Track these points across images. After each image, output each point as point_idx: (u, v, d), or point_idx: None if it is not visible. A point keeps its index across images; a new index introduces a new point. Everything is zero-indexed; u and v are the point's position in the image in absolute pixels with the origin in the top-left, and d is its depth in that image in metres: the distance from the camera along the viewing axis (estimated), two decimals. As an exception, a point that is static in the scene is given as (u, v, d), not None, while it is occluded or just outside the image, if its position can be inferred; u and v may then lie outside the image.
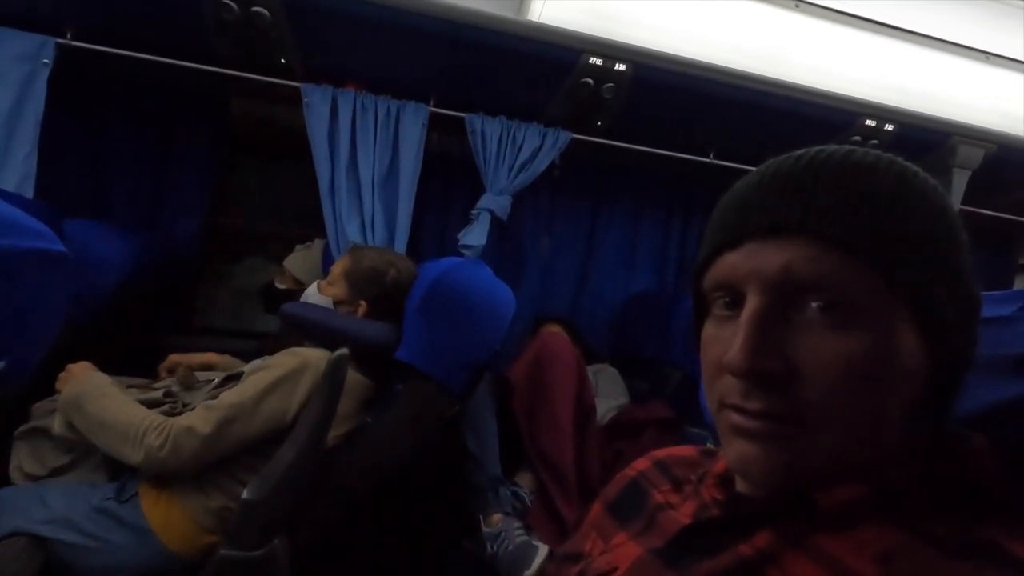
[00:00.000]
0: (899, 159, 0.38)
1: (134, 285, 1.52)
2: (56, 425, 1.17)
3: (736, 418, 0.37)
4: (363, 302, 1.30)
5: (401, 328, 1.30)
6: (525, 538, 1.26)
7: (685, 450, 0.58)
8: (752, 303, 0.36)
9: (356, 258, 1.34)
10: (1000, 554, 0.31)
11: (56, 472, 1.13)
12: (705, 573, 0.37)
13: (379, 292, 1.30)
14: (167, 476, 1.05)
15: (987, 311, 0.47)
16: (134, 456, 1.00)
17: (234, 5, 1.38)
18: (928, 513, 0.35)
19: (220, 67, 1.53)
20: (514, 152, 1.69)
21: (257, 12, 1.39)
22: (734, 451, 0.37)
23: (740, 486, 0.43)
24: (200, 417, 1.02)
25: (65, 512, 1.00)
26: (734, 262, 0.38)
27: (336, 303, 1.30)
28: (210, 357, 1.42)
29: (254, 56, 1.54)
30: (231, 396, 1.06)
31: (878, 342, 0.34)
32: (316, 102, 1.57)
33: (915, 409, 0.36)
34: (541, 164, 1.71)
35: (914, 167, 0.38)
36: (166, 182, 1.88)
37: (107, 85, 1.78)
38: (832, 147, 0.38)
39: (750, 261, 0.37)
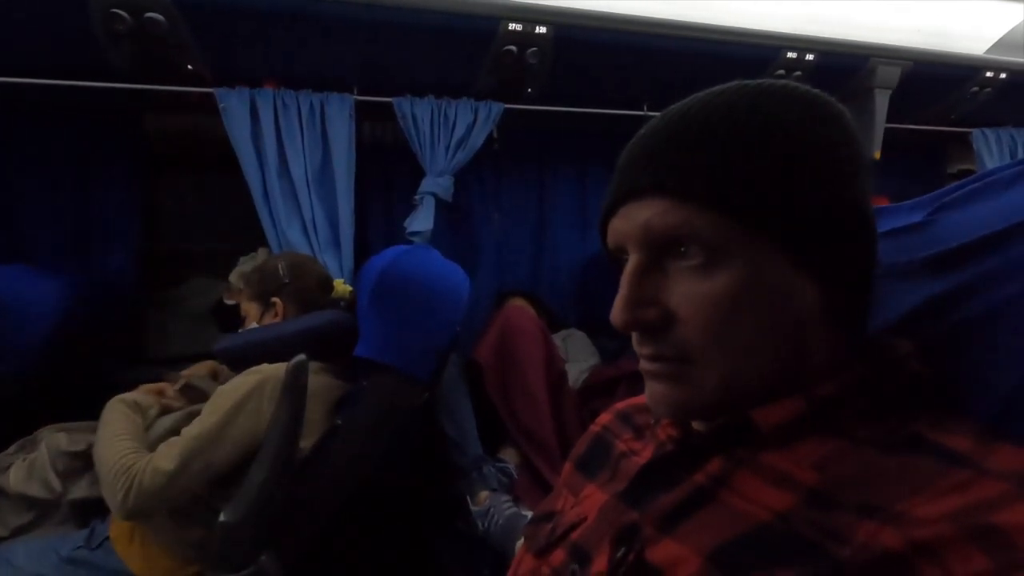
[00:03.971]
0: (746, 93, 0.38)
1: (71, 325, 1.45)
2: (12, 482, 1.12)
3: (643, 363, 0.41)
4: (275, 300, 1.26)
5: (339, 312, 1.28)
6: (514, 509, 1.28)
7: (644, 398, 0.59)
8: (630, 261, 0.40)
9: (245, 279, 1.33)
10: (925, 444, 0.33)
11: (20, 531, 1.09)
12: (664, 506, 0.38)
13: (280, 283, 1.27)
14: (145, 517, 1.01)
15: (900, 220, 0.49)
16: (111, 506, 0.96)
17: (125, 14, 1.29)
18: (862, 419, 0.36)
19: (123, 82, 1.43)
20: (448, 131, 1.66)
21: (151, 18, 1.31)
22: (647, 392, 0.41)
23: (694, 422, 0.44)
24: (163, 455, 0.97)
25: (34, 569, 0.97)
26: (615, 226, 0.41)
27: (259, 322, 1.27)
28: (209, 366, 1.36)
29: (157, 66, 1.45)
30: (193, 428, 1.01)
31: (742, 278, 0.36)
32: (233, 106, 1.50)
33: (822, 323, 0.38)
34: (478, 140, 1.69)
35: (756, 97, 0.37)
36: (88, 213, 1.77)
37: (6, 118, 1.66)
38: (683, 103, 0.40)
39: (623, 223, 0.40)
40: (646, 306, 0.38)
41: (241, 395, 1.04)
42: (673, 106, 0.41)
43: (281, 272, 1.28)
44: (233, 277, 1.70)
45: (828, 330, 0.38)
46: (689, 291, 0.37)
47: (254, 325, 1.26)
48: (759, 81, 0.39)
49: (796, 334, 0.37)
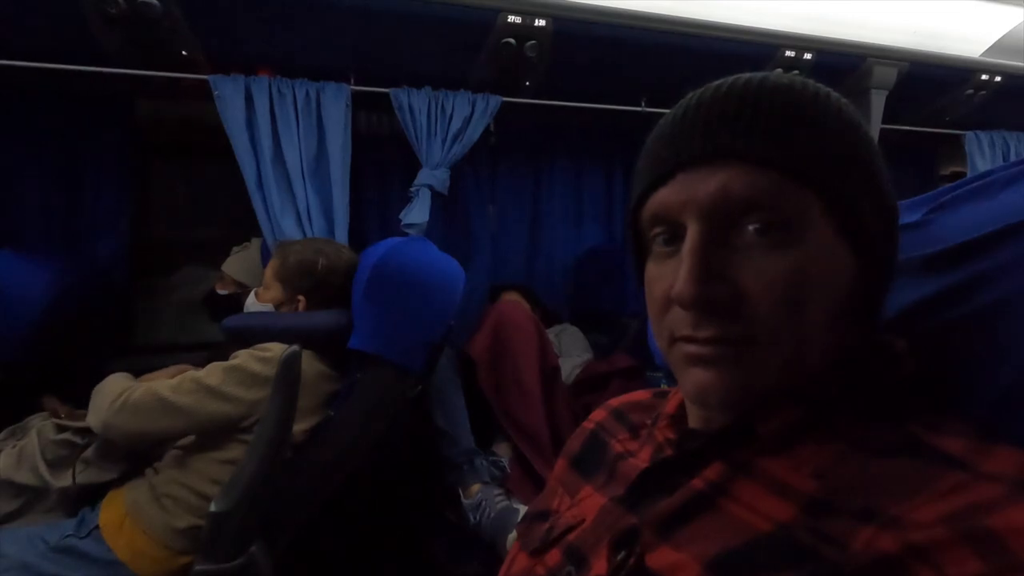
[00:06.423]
0: (811, 80, 0.39)
1: (61, 313, 1.43)
2: (0, 469, 1.10)
3: (689, 348, 0.37)
4: (300, 297, 1.28)
5: (348, 312, 1.27)
6: (506, 503, 1.28)
7: (639, 395, 0.59)
8: (692, 232, 0.36)
9: (283, 256, 1.31)
10: (921, 447, 0.33)
11: (7, 519, 1.08)
12: (662, 512, 0.38)
13: (313, 283, 1.28)
14: (123, 441, 1.06)
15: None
16: (94, 418, 1.03)
17: (118, -2, 1.27)
18: (858, 421, 0.36)
19: (115, 67, 1.41)
20: (445, 123, 1.65)
21: (145, 2, 1.29)
22: (690, 381, 0.38)
23: (692, 422, 0.44)
24: (162, 383, 1.04)
25: (21, 557, 0.95)
26: (668, 195, 0.38)
27: (276, 306, 1.28)
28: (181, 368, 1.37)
29: (151, 51, 1.43)
30: (195, 373, 1.07)
31: (815, 257, 0.35)
32: (228, 93, 1.48)
33: (847, 319, 0.38)
34: (475, 132, 1.68)
35: (825, 87, 0.39)
36: (78, 200, 1.75)
37: (-5, 102, 1.63)
38: (748, 74, 0.39)
39: (685, 191, 0.37)
40: (716, 281, 0.35)
41: (244, 361, 1.08)
42: (722, 80, 0.39)
43: (319, 269, 1.29)
44: (225, 267, 1.68)
45: (844, 323, 0.38)
46: (762, 267, 0.35)
47: (268, 305, 1.28)
48: (792, 75, 0.39)
49: (838, 321, 0.37)
